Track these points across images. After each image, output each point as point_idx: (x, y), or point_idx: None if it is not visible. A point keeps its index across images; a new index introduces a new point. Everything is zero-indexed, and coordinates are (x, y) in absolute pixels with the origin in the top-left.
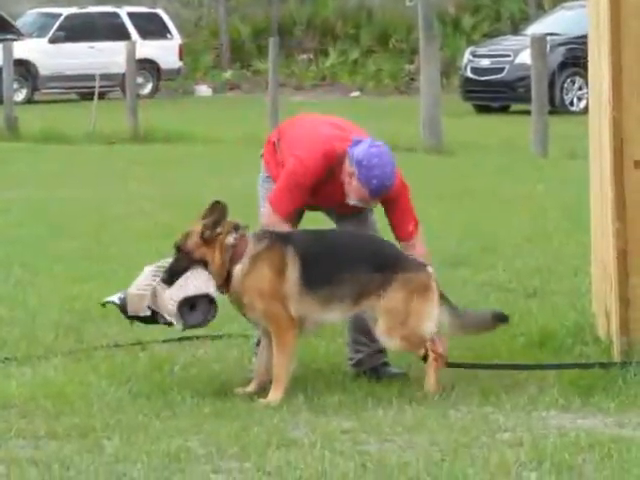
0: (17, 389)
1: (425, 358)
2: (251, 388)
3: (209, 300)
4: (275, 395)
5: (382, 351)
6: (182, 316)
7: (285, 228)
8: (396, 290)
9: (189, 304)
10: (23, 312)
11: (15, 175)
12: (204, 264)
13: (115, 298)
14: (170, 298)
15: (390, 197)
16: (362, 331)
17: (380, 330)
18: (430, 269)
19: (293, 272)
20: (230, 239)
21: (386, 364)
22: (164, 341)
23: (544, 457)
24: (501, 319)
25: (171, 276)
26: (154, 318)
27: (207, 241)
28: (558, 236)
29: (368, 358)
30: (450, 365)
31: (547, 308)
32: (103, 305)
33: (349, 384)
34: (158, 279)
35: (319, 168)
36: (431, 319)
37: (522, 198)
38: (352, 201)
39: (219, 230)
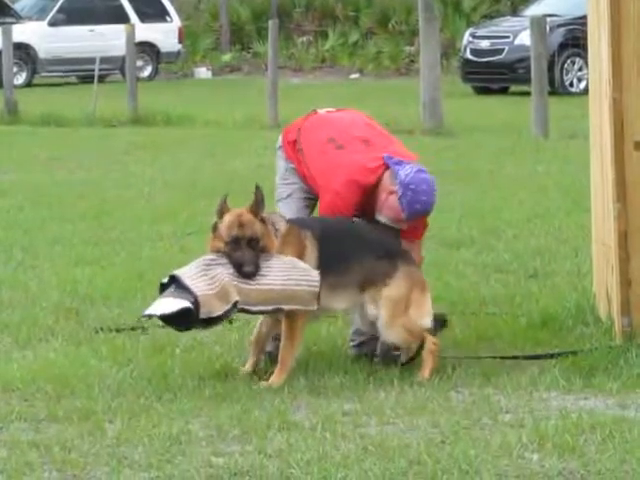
0: (18, 372)
1: (417, 354)
2: (249, 367)
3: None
4: (278, 378)
5: None
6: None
7: None
8: (400, 281)
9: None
10: (24, 295)
11: (15, 158)
12: (264, 250)
13: (184, 303)
14: (294, 280)
15: None
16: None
17: (383, 320)
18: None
19: (312, 256)
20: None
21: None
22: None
23: (546, 438)
24: (441, 324)
25: (257, 266)
26: (223, 317)
27: (262, 221)
28: (559, 217)
29: (370, 340)
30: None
31: (548, 289)
32: (148, 317)
33: (350, 366)
34: (227, 277)
35: (357, 197)
36: (429, 314)
37: (522, 179)
38: (383, 218)
39: (262, 213)
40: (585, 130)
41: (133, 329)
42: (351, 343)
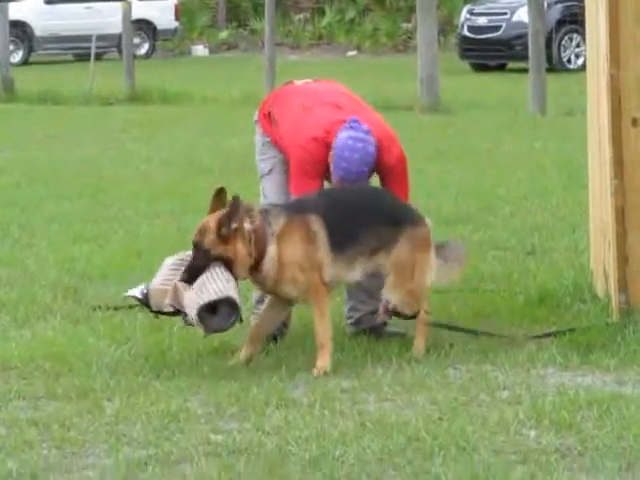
0: (16, 351)
1: (413, 317)
2: (246, 356)
3: (230, 304)
4: (324, 361)
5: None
6: (203, 322)
7: None
8: (404, 244)
9: (211, 308)
10: (21, 273)
11: (12, 136)
12: (224, 261)
13: (137, 292)
14: (190, 299)
15: (385, 168)
16: (361, 289)
17: (389, 284)
18: (428, 221)
19: (322, 238)
20: (248, 225)
21: (385, 323)
22: None
23: (543, 415)
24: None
25: (191, 275)
26: (178, 312)
27: (225, 238)
28: (556, 194)
29: (367, 317)
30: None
31: (546, 266)
32: (128, 297)
33: (348, 343)
34: (179, 275)
35: (323, 155)
36: (430, 272)
37: (520, 156)
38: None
39: (235, 225)
40: (583, 107)
41: (131, 307)
42: (348, 321)
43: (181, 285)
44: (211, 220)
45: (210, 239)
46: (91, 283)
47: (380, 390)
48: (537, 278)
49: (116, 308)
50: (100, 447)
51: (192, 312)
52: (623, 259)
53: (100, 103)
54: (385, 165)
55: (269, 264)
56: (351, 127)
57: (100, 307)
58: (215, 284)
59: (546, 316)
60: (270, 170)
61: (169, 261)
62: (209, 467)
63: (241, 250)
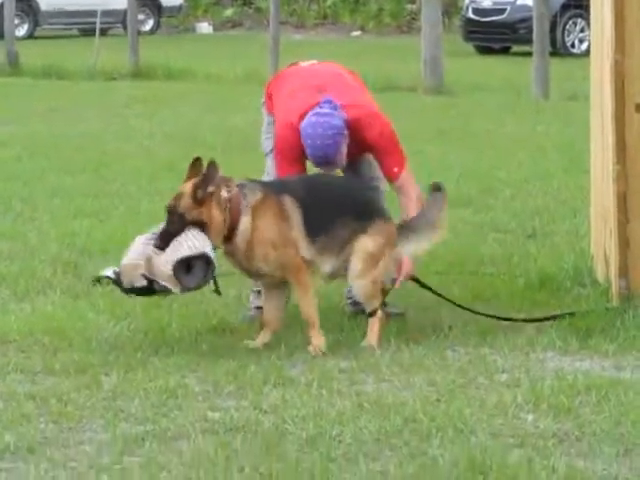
0: (15, 324)
1: (371, 314)
2: (266, 339)
3: (206, 260)
4: (318, 339)
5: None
6: (179, 279)
7: None
8: (374, 234)
9: (185, 266)
10: (22, 247)
11: (15, 110)
12: (198, 225)
13: (109, 272)
14: (165, 261)
15: (370, 144)
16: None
17: (353, 271)
18: (394, 223)
19: (296, 220)
20: (224, 193)
21: (384, 304)
22: None
23: (541, 399)
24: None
25: (164, 240)
26: (151, 288)
27: (200, 201)
28: (557, 177)
29: None
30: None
31: (546, 250)
32: (97, 280)
33: (347, 323)
34: (151, 246)
35: (297, 140)
36: (391, 268)
37: (522, 139)
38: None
39: (211, 189)
40: (585, 91)
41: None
42: (348, 301)
43: (154, 254)
44: (187, 186)
45: (185, 202)
46: (91, 258)
47: (378, 371)
48: (537, 261)
49: (116, 282)
50: (97, 422)
51: (167, 270)
52: (624, 244)
53: (104, 78)
54: (369, 141)
55: (241, 235)
56: (319, 107)
57: (100, 281)
58: (191, 242)
59: (546, 300)
60: (271, 149)
61: (140, 238)
62: (206, 444)
63: (216, 215)
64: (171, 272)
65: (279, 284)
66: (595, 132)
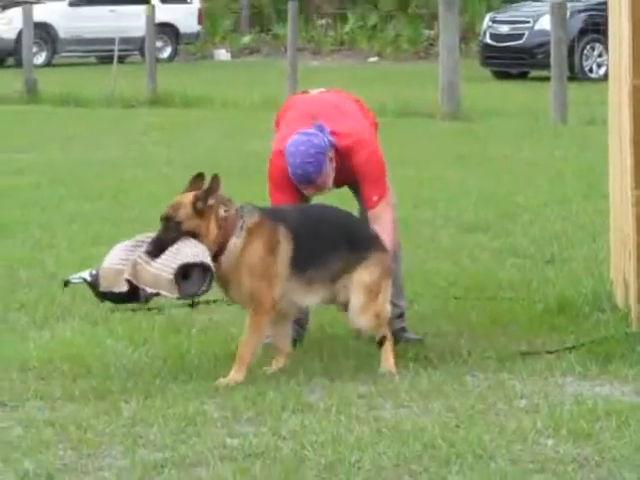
0: (35, 351)
1: (381, 342)
2: (280, 364)
3: (204, 269)
4: (237, 375)
5: (400, 316)
6: (178, 284)
7: None
8: (371, 268)
9: (182, 273)
10: (41, 274)
11: (34, 137)
12: (193, 236)
13: (86, 275)
14: (164, 266)
15: (355, 169)
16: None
17: (355, 307)
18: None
19: (286, 251)
20: (221, 211)
21: (404, 329)
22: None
23: (561, 424)
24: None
25: (157, 248)
26: (130, 294)
27: (199, 212)
28: (576, 202)
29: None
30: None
31: (565, 275)
32: (65, 285)
33: (365, 348)
34: (139, 252)
35: (285, 165)
36: (388, 301)
37: (540, 164)
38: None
39: (211, 202)
40: (603, 116)
41: (149, 309)
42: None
43: (142, 260)
44: (186, 196)
45: (184, 212)
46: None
47: (397, 396)
48: (556, 287)
49: (134, 310)
50: (116, 449)
51: (167, 275)
52: None
53: (122, 105)
54: (354, 166)
55: (226, 256)
56: (321, 130)
57: (118, 309)
58: (192, 249)
59: (565, 325)
60: None
61: (120, 245)
62: (225, 471)
63: (212, 228)
64: (171, 277)
65: (288, 316)
66: (613, 156)
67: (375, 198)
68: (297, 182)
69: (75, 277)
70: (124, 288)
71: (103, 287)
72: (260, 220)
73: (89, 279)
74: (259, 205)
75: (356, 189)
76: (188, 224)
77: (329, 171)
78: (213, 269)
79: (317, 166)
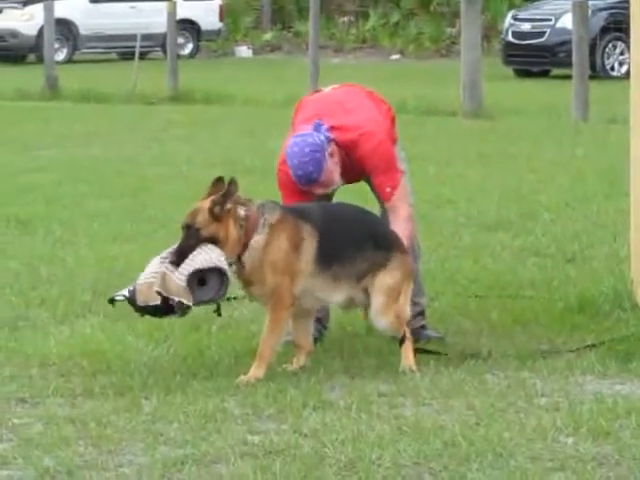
0: (55, 348)
1: (401, 341)
2: (301, 362)
3: (220, 274)
4: (257, 372)
5: (420, 314)
6: (192, 291)
7: None
8: (393, 269)
9: (198, 279)
10: (62, 271)
11: (55, 134)
12: (214, 242)
13: (125, 291)
14: (179, 273)
15: (363, 161)
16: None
17: (376, 307)
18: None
19: (310, 247)
20: (241, 212)
21: (424, 327)
22: None
23: (581, 423)
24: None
25: (180, 256)
26: (165, 306)
27: (217, 217)
28: (597, 201)
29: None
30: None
31: (586, 273)
32: (111, 303)
33: (386, 347)
34: (166, 263)
35: (285, 172)
36: (409, 302)
37: (561, 163)
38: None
39: (229, 206)
40: (625, 114)
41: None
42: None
43: (168, 270)
44: (203, 203)
45: (202, 218)
46: (131, 282)
47: (417, 394)
48: (577, 285)
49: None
50: (137, 445)
51: (181, 283)
52: None
53: (143, 102)
54: (363, 159)
55: (253, 254)
56: (318, 128)
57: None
58: (206, 255)
59: (585, 323)
60: None
61: (156, 258)
62: (245, 468)
63: (232, 232)
64: (185, 284)
65: (309, 313)
66: (635, 155)
67: (388, 189)
68: (301, 184)
69: (118, 294)
70: (157, 301)
71: (140, 302)
72: (282, 217)
73: (127, 295)
74: (280, 203)
75: (371, 185)
76: (207, 230)
77: (331, 167)
78: (228, 273)
79: (315, 164)
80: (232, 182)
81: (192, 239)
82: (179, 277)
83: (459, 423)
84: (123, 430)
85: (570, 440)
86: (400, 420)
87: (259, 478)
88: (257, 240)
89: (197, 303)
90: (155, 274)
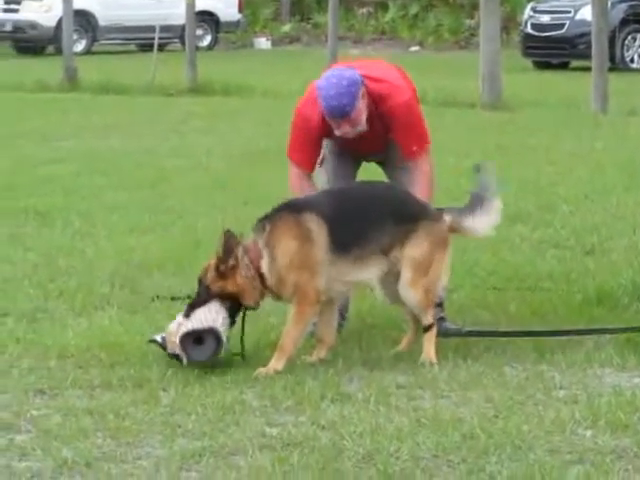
0: (73, 340)
1: (426, 329)
2: (322, 354)
3: (215, 336)
4: (277, 365)
5: (439, 305)
6: (185, 350)
7: (304, 185)
8: (420, 240)
9: (193, 338)
10: (80, 262)
11: (74, 125)
12: (226, 297)
13: (158, 337)
14: (177, 332)
15: (387, 115)
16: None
17: (404, 281)
18: (446, 217)
19: (320, 237)
20: (245, 260)
21: (443, 319)
22: None
23: (599, 415)
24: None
25: (192, 310)
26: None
27: (223, 275)
28: (616, 193)
29: None
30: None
31: (604, 266)
32: (150, 342)
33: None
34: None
35: (315, 113)
36: (446, 272)
37: (580, 155)
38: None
39: (232, 262)
40: None
41: (189, 297)
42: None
43: (176, 326)
44: (212, 260)
45: (210, 276)
46: (149, 274)
47: (436, 387)
48: (596, 277)
49: (173, 298)
50: (155, 437)
51: (176, 339)
52: None
53: (162, 94)
54: (390, 109)
55: (268, 275)
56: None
57: (158, 297)
58: (202, 315)
59: (604, 316)
60: (321, 160)
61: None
62: (263, 460)
63: (242, 283)
64: (178, 342)
65: (329, 299)
66: None
67: (415, 147)
68: (331, 116)
69: (157, 337)
70: (176, 350)
71: (169, 349)
72: (279, 219)
73: (160, 341)
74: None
75: (388, 165)
76: (215, 287)
77: (362, 107)
78: (222, 336)
79: (350, 98)
80: (227, 235)
81: (202, 294)
82: (176, 334)
83: (477, 415)
84: (141, 422)
85: (588, 433)
86: (418, 412)
87: (277, 470)
88: (264, 264)
89: (190, 362)
90: (177, 324)
